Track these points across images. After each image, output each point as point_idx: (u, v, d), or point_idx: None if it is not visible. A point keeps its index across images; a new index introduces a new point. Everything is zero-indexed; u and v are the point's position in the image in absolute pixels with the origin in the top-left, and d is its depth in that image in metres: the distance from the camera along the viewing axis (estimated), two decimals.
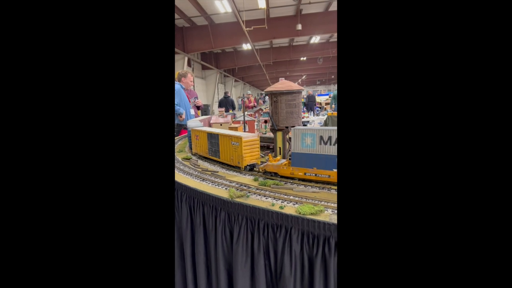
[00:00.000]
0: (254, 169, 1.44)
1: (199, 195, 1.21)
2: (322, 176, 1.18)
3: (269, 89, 1.60)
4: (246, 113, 4.25)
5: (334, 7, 9.99)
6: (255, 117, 3.39)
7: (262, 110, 3.93)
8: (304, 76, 23.68)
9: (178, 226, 1.41)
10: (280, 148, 1.62)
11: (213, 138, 1.64)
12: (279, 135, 1.62)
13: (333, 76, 24.08)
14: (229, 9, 7.98)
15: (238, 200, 1.06)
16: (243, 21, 8.31)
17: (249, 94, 9.82)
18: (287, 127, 1.59)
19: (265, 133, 3.00)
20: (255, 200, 1.05)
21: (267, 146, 2.02)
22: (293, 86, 1.57)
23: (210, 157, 1.70)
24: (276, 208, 0.97)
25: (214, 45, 10.82)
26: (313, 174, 1.20)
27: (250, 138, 1.44)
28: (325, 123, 4.91)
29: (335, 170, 1.14)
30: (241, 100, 10.05)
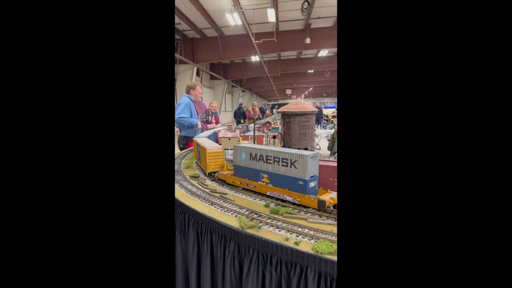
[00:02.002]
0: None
1: (207, 221, 1.15)
2: (250, 186, 1.41)
3: (282, 109, 1.56)
4: (254, 126, 4.23)
5: None
6: (263, 132, 3.34)
7: (270, 123, 3.88)
8: (311, 88, 23.78)
9: (183, 251, 1.34)
10: None
11: (198, 147, 2.01)
12: None
13: None
14: (239, 22, 8.10)
15: (249, 231, 1.00)
16: (252, 34, 8.42)
17: (254, 105, 9.80)
18: (299, 149, 1.53)
19: None
20: (268, 232, 0.99)
21: None
22: (307, 107, 1.53)
23: (198, 162, 2.05)
24: (290, 244, 0.90)
25: (223, 56, 10.97)
26: (245, 184, 1.44)
27: (214, 150, 1.71)
28: (332, 138, 4.82)
29: (260, 182, 1.37)
30: (247, 110, 10.05)
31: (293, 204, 1.22)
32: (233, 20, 8.13)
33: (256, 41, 8.91)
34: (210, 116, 4.39)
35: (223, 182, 1.59)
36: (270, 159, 1.31)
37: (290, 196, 1.22)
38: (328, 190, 1.27)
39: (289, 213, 1.13)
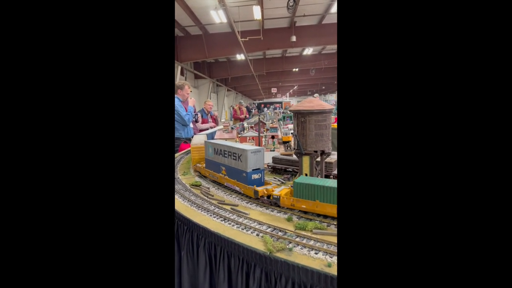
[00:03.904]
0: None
1: (223, 242, 0.97)
2: (214, 177, 1.59)
3: (296, 107, 1.40)
4: (246, 124, 4.07)
5: (327, 20, 10.14)
6: (257, 130, 3.17)
7: (264, 123, 3.72)
8: (295, 87, 23.88)
9: (191, 275, 1.15)
10: (306, 175, 1.40)
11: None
12: (306, 160, 1.40)
13: (323, 87, 24.40)
14: (224, 20, 7.88)
15: (279, 255, 0.83)
16: (238, 32, 8.22)
17: (241, 104, 9.60)
18: (315, 151, 1.38)
19: (273, 149, 2.78)
20: (302, 256, 0.82)
21: (284, 169, 1.79)
22: (324, 105, 1.37)
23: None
24: (335, 271, 0.74)
25: (208, 54, 10.69)
26: (211, 175, 1.62)
27: (198, 145, 1.95)
28: None
29: (220, 174, 1.52)
30: (232, 109, 9.81)
31: (311, 214, 1.10)
32: (218, 17, 7.88)
33: (242, 39, 8.72)
34: (197, 115, 4.21)
35: (199, 173, 1.82)
36: (226, 154, 1.47)
37: (237, 186, 1.37)
38: (270, 182, 1.41)
39: (319, 228, 0.97)
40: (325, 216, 1.07)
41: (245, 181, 1.32)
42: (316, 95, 7.66)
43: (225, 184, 1.48)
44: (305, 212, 1.12)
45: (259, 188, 1.24)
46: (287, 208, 1.16)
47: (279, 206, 1.17)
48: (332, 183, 1.07)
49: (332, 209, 1.02)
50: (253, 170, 1.32)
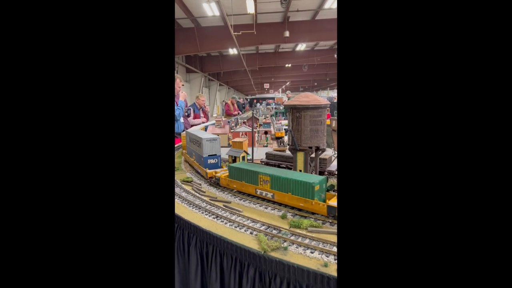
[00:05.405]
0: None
1: (215, 241, 0.93)
2: (189, 160, 1.84)
3: (291, 102, 1.36)
4: (239, 119, 4.02)
5: (320, 16, 10.10)
6: (249, 125, 3.13)
7: (257, 119, 3.68)
8: (288, 83, 23.87)
9: (182, 274, 1.11)
10: (301, 171, 1.38)
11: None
12: (300, 156, 1.38)
13: (316, 83, 24.47)
14: (217, 13, 7.75)
15: (273, 254, 0.80)
16: (231, 26, 8.10)
17: (234, 100, 9.49)
18: (310, 147, 1.35)
19: (266, 145, 2.75)
20: (297, 255, 0.79)
21: (278, 165, 1.76)
22: (320, 100, 1.34)
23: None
24: (331, 271, 0.71)
25: (200, 48, 10.50)
26: (188, 160, 1.88)
27: (185, 134, 2.14)
28: None
29: (192, 159, 1.77)
30: (225, 104, 9.71)
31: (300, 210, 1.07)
32: (210, 10, 7.74)
33: (235, 33, 8.59)
34: (190, 110, 4.15)
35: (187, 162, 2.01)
36: (194, 141, 1.71)
37: (199, 168, 1.61)
38: (223, 166, 1.59)
39: (314, 226, 0.95)
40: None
41: (203, 165, 1.52)
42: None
43: (194, 167, 1.71)
44: (299, 210, 1.10)
45: (208, 170, 1.47)
46: (235, 191, 1.34)
47: (220, 186, 1.41)
48: (258, 168, 1.27)
49: (252, 189, 1.20)
50: (209, 155, 1.52)
